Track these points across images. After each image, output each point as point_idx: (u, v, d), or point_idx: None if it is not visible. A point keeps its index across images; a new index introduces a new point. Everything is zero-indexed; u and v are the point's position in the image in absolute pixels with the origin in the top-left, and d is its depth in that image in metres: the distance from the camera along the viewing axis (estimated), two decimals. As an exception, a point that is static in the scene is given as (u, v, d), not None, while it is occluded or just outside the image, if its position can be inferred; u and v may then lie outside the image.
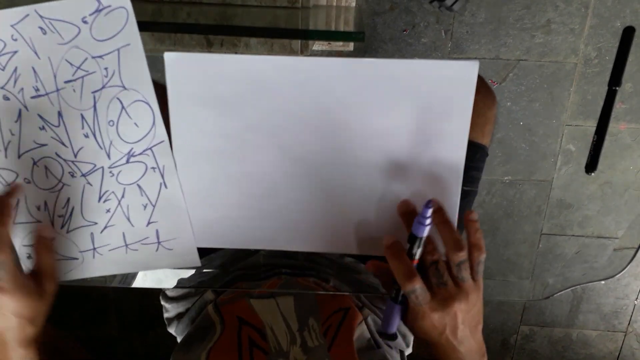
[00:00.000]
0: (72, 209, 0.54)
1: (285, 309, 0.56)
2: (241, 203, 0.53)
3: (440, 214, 0.48)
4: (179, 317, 0.69)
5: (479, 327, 0.49)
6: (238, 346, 0.52)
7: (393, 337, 0.49)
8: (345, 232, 0.53)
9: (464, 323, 0.47)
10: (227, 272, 0.66)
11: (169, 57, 0.48)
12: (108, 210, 0.54)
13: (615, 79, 0.60)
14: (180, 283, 0.67)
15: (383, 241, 0.49)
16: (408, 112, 0.49)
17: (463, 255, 0.46)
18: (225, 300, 0.59)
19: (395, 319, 0.49)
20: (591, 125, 1.20)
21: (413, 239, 0.47)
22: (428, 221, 0.46)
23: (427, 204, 0.46)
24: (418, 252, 0.47)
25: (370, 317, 0.62)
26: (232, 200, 0.53)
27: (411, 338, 0.68)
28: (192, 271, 0.68)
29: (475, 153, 0.68)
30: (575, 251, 1.36)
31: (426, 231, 0.47)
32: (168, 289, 0.70)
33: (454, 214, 0.52)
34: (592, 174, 0.63)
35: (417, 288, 0.45)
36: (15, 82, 0.49)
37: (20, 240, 0.55)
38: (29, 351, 0.47)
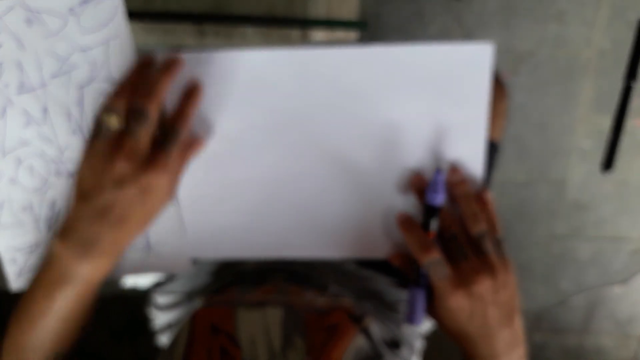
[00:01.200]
0: (59, 210, 0.54)
1: (272, 323, 0.55)
2: (243, 209, 0.52)
3: (462, 187, 0.47)
4: (169, 326, 0.68)
5: (516, 317, 0.47)
6: (208, 351, 0.51)
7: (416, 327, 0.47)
8: (356, 235, 0.53)
9: (494, 304, 0.45)
10: (220, 278, 0.66)
11: None
12: (97, 212, 0.54)
13: (631, 74, 0.60)
14: (170, 290, 0.66)
15: (396, 219, 0.49)
16: (420, 102, 0.48)
17: (483, 226, 0.46)
18: (208, 304, 0.58)
19: (419, 305, 0.47)
20: (606, 122, 1.20)
21: (427, 209, 0.47)
22: (441, 188, 0.46)
23: (438, 171, 0.46)
24: (434, 224, 0.47)
25: (373, 325, 0.62)
26: (233, 206, 0.52)
27: (416, 346, 0.68)
28: (183, 278, 0.67)
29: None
30: (590, 254, 1.36)
31: (440, 199, 0.46)
32: (157, 297, 0.69)
33: None
34: (608, 172, 0.63)
35: (434, 259, 0.45)
36: (-1, 76, 0.49)
37: (5, 243, 0.55)
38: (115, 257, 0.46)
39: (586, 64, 1.17)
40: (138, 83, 0.44)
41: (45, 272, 0.45)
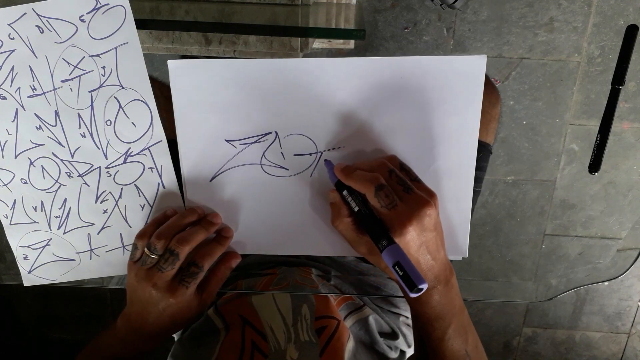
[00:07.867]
0: (69, 209, 0.54)
1: (282, 303, 0.56)
2: (248, 209, 0.53)
3: (341, 172, 0.47)
4: None
5: (442, 239, 0.47)
6: (241, 349, 0.52)
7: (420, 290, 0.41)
8: None
9: (435, 230, 0.45)
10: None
11: (172, 65, 0.48)
12: (105, 211, 0.54)
13: (619, 78, 0.60)
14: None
15: (336, 171, 0.48)
16: (417, 110, 0.49)
17: (391, 167, 0.46)
18: (225, 300, 0.59)
19: (408, 262, 0.42)
20: (594, 125, 1.20)
21: (339, 187, 0.48)
22: (331, 174, 0.48)
23: (325, 161, 0.50)
24: (350, 199, 0.47)
25: (372, 316, 0.63)
26: (239, 206, 0.53)
27: (410, 337, 0.68)
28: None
29: (479, 151, 0.69)
30: (579, 252, 1.36)
31: (332, 179, 0.48)
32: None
33: (467, 212, 0.52)
34: (596, 173, 0.63)
35: (383, 185, 0.43)
36: (12, 81, 0.50)
37: (17, 241, 0.56)
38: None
39: (575, 69, 1.17)
40: (182, 227, 0.50)
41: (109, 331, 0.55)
